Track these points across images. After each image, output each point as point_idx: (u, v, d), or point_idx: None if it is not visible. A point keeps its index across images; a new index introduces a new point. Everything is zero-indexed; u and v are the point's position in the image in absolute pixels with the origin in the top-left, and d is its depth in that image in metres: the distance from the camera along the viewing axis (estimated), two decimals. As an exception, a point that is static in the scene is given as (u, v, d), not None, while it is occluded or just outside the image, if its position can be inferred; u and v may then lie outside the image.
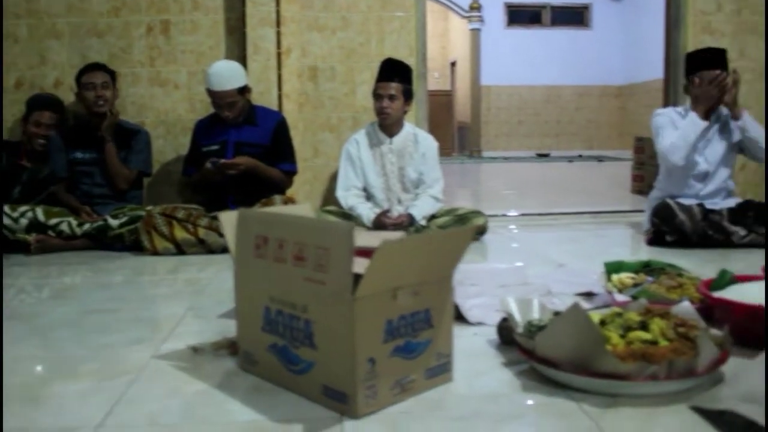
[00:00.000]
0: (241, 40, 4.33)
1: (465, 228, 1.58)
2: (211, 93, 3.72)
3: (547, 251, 3.43)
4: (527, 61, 14.31)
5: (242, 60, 4.25)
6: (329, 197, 4.55)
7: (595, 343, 1.50)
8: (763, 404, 1.32)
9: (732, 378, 1.53)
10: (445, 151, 14.09)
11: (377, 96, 3.75)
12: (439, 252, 1.53)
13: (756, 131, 3.54)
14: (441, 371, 1.60)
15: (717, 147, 3.65)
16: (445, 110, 14.96)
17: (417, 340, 1.54)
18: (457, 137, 15.15)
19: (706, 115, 3.61)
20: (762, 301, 1.84)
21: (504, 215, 4.67)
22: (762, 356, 1.47)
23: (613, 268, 2.45)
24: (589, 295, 2.41)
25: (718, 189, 3.64)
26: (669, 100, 5.18)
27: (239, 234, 1.69)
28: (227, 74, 3.70)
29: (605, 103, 14.58)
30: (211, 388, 1.64)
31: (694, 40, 5.07)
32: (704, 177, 3.65)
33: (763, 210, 3.45)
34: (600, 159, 11.79)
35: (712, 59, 3.58)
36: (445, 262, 1.57)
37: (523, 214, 4.72)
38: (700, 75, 3.56)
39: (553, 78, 14.39)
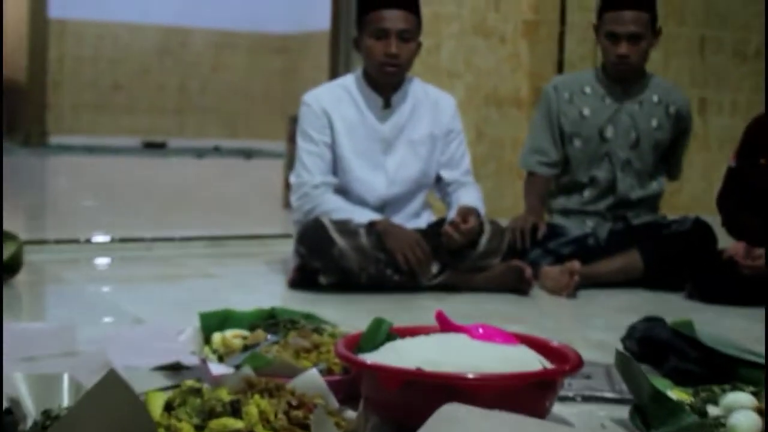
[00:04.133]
0: None
1: None
2: None
3: (126, 299, 3.52)
4: (131, -15, 14.43)
5: None
6: None
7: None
8: None
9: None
10: (-20, 134, 13.66)
11: None
12: None
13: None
14: None
15: (410, 164, 4.00)
16: (-20, 60, 14.49)
17: None
18: (5, 110, 14.76)
19: (386, 101, 3.97)
20: (429, 365, 2.03)
21: (78, 241, 4.81)
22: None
23: (215, 322, 2.54)
24: (174, 368, 2.47)
25: (407, 220, 4.00)
26: (337, 61, 5.55)
27: None
28: None
29: (261, 61, 15.17)
30: None
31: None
32: (381, 207, 3.96)
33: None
34: (248, 154, 12.21)
35: None
36: None
37: (111, 241, 4.90)
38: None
39: (175, 14, 14.65)
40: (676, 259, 4.03)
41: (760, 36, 6.76)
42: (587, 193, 4.33)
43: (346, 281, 3.74)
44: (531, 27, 6.11)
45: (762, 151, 4.10)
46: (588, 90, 4.35)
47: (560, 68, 5.87)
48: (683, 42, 6.54)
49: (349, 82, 4.05)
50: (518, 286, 3.87)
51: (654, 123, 4.33)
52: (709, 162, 4.68)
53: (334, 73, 5.55)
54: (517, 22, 6.07)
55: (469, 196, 3.99)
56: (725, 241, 4.13)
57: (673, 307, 3.67)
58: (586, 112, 4.32)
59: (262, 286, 3.99)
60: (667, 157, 4.45)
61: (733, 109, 6.49)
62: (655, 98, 4.34)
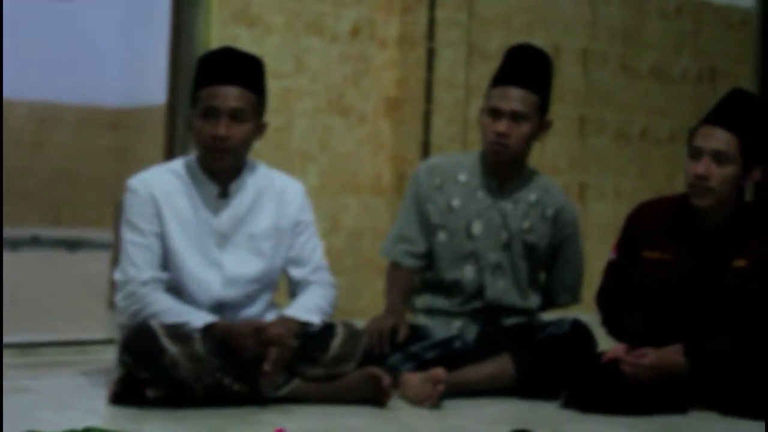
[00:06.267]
0: None
1: None
2: None
3: None
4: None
5: None
6: None
7: None
8: None
9: None
10: None
11: None
12: None
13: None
14: None
15: (250, 262, 3.97)
16: None
17: None
18: None
19: (223, 190, 3.95)
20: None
21: None
22: None
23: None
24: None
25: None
26: (173, 140, 5.50)
27: None
28: None
29: (89, 138, 14.99)
30: None
31: (222, 34, 5.48)
32: (217, 309, 3.93)
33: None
34: (73, 245, 12.04)
35: (227, 70, 3.88)
36: None
37: None
38: (207, 92, 3.83)
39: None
40: (552, 364, 4.04)
41: (645, 117, 6.90)
42: (454, 296, 4.32)
43: (179, 394, 3.65)
44: (394, 105, 6.12)
45: (645, 242, 4.15)
46: (462, 178, 4.34)
47: (426, 151, 5.88)
48: (561, 122, 6.55)
49: (179, 167, 3.99)
50: (375, 397, 3.83)
51: (526, 224, 4.33)
52: (588, 254, 4.67)
53: (169, 154, 5.48)
54: (378, 99, 6.08)
55: (304, 300, 3.98)
56: (606, 344, 4.15)
57: (547, 418, 3.67)
58: (455, 203, 4.30)
59: (80, 401, 3.87)
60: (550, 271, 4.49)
61: (616, 195, 6.58)
62: (533, 198, 4.34)
